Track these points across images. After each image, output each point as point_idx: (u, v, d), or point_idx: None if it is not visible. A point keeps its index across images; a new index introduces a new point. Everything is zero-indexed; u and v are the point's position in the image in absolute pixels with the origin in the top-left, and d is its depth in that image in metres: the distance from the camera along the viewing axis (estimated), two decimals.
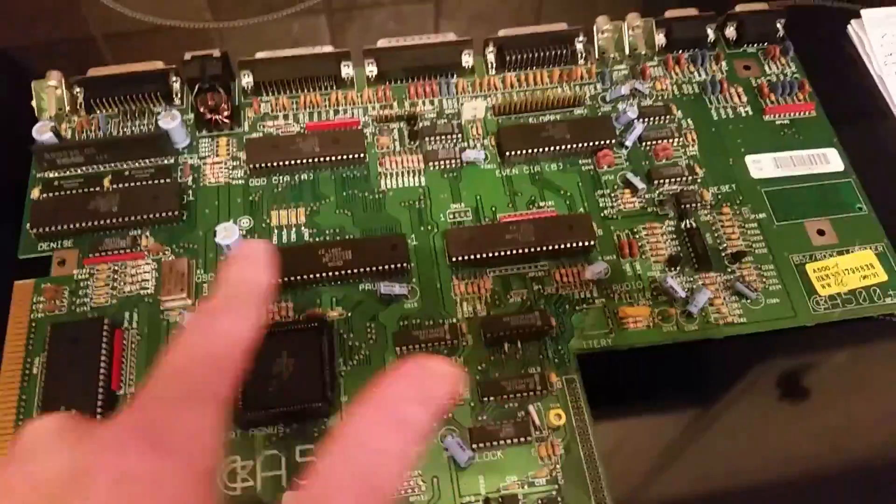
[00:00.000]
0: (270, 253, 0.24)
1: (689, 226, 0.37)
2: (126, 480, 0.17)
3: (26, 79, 0.41)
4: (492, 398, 0.32)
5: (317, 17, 0.50)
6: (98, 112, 0.41)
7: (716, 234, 0.37)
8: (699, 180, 0.39)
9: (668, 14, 0.43)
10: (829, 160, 0.40)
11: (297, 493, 0.19)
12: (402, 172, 0.39)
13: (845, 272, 0.36)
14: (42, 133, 0.38)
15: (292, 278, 0.34)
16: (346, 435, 0.19)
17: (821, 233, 0.37)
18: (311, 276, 0.34)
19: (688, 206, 0.37)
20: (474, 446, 0.31)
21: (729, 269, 0.36)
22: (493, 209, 0.38)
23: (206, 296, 0.21)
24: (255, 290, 0.23)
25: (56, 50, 0.48)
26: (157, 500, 0.17)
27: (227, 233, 0.34)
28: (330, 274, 0.34)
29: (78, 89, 0.40)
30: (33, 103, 0.40)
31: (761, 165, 0.39)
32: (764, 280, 0.36)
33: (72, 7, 0.50)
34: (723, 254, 0.36)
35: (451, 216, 0.38)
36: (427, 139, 0.40)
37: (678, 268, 0.36)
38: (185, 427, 0.19)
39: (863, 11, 0.46)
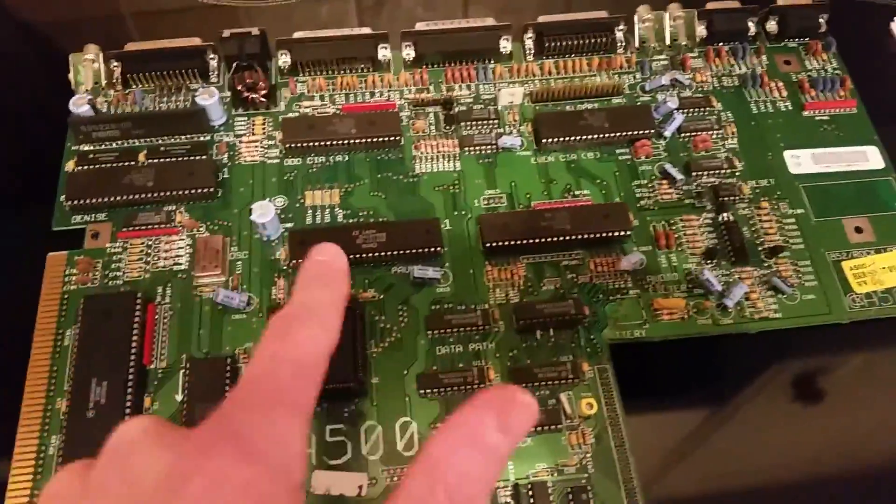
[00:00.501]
0: (344, 258, 0.24)
1: (727, 219, 0.36)
2: (220, 485, 0.17)
3: (63, 53, 0.41)
4: (523, 385, 0.32)
5: (345, 2, 0.50)
6: (134, 87, 0.41)
7: (753, 229, 0.36)
8: (738, 174, 0.38)
9: (710, 5, 0.42)
10: (869, 158, 0.39)
11: None
12: (438, 157, 0.39)
13: (882, 270, 0.35)
14: (79, 106, 0.38)
15: None
16: (432, 456, 0.19)
17: (858, 230, 0.37)
18: (347, 257, 0.34)
19: (726, 199, 0.37)
20: None
21: (765, 264, 0.36)
22: (528, 196, 0.38)
23: (287, 301, 0.22)
24: (335, 298, 0.23)
25: (91, 26, 0.48)
26: None
27: (262, 211, 0.34)
28: (363, 256, 0.34)
29: (115, 63, 0.40)
30: (70, 76, 0.40)
31: (800, 161, 0.39)
32: (800, 276, 0.35)
33: None
34: (760, 248, 0.36)
35: (486, 202, 0.37)
36: (463, 124, 0.39)
37: (714, 261, 0.35)
38: (274, 435, 0.19)
39: None
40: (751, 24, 0.42)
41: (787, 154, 0.39)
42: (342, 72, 0.41)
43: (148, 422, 0.20)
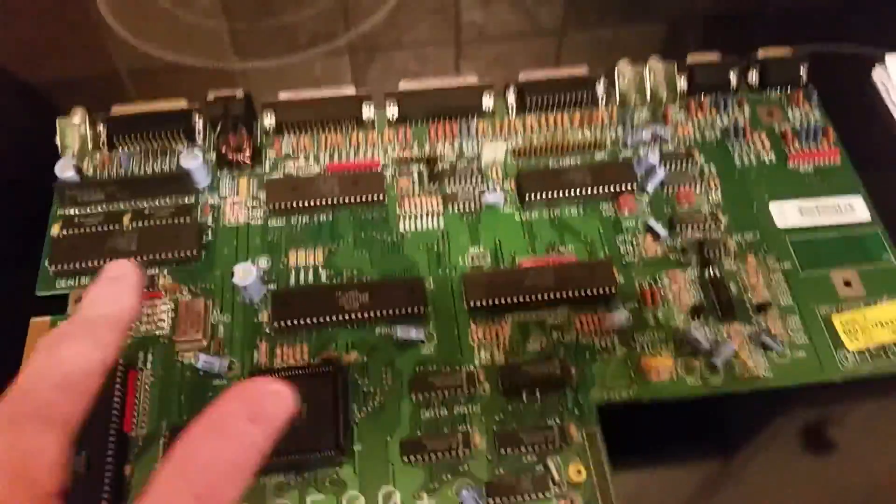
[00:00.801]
0: (138, 275, 0.25)
1: (712, 275, 0.36)
2: None
3: (50, 114, 0.41)
4: (509, 450, 0.31)
5: (339, 57, 0.51)
6: (120, 149, 0.41)
7: (740, 284, 0.36)
8: (723, 228, 0.38)
9: (690, 59, 0.43)
10: (855, 209, 0.39)
11: None
12: (421, 214, 0.39)
13: (874, 326, 0.35)
14: (64, 171, 0.38)
15: (308, 320, 0.34)
16: (176, 452, 0.20)
17: (847, 283, 0.36)
18: (327, 318, 0.34)
19: (711, 254, 0.37)
20: (490, 501, 0.30)
21: (754, 321, 0.35)
22: (513, 253, 0.37)
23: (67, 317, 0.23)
24: (115, 314, 0.23)
25: (80, 86, 0.49)
26: None
27: (244, 274, 0.34)
28: (346, 317, 0.34)
29: (101, 126, 0.41)
30: (57, 140, 0.41)
31: (785, 213, 0.39)
32: (790, 332, 0.35)
33: (97, 44, 0.51)
34: (747, 304, 0.36)
35: (470, 259, 0.37)
36: (446, 181, 0.40)
37: (702, 317, 0.35)
38: (18, 446, 0.19)
39: (887, 56, 0.45)
40: (732, 76, 0.43)
41: (773, 206, 0.39)
42: (327, 131, 0.41)
43: None
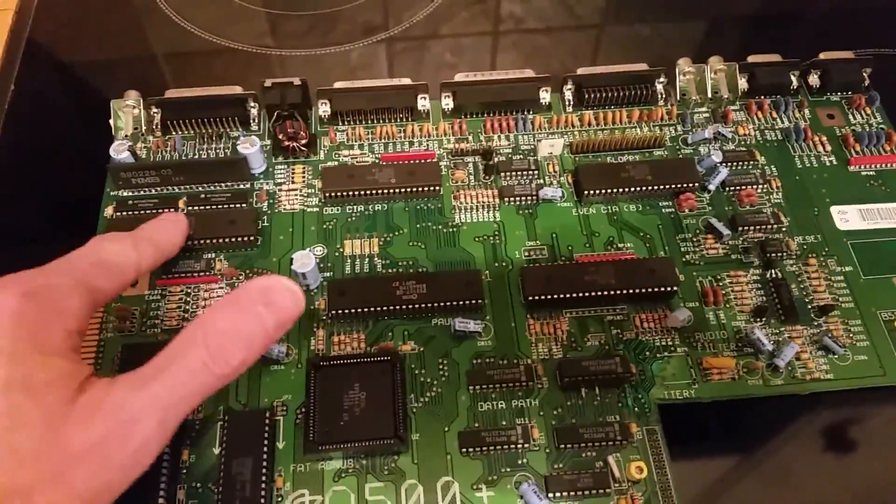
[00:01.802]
0: (185, 223, 0.34)
1: (775, 276, 0.36)
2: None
3: (100, 93, 0.41)
4: (569, 446, 0.31)
5: (375, 46, 0.50)
6: (174, 133, 0.41)
7: (802, 286, 0.36)
8: (784, 229, 0.37)
9: (752, 59, 0.42)
10: None
11: (157, 355, 0.25)
12: (477, 207, 0.38)
13: None
14: (119, 152, 0.38)
15: (364, 310, 0.34)
16: (200, 316, 0.25)
17: None
18: (385, 308, 0.34)
19: (773, 255, 0.36)
20: (550, 495, 0.30)
21: (815, 323, 0.35)
22: (570, 248, 0.37)
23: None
24: (156, 236, 0.32)
25: (127, 67, 0.49)
26: (19, 330, 0.24)
27: (303, 261, 0.34)
28: (403, 307, 0.34)
29: (155, 110, 0.41)
30: (111, 122, 0.41)
31: (847, 217, 0.38)
32: (851, 335, 0.34)
33: (144, 25, 0.51)
34: (809, 306, 0.35)
35: (527, 253, 0.37)
36: (503, 174, 0.39)
37: (764, 319, 0.35)
38: (53, 287, 0.26)
39: None
40: (793, 78, 0.42)
41: (834, 210, 0.38)
42: (381, 121, 0.41)
43: None
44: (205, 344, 0.24)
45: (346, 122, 0.41)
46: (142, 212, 0.38)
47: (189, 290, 0.35)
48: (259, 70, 0.47)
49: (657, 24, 0.52)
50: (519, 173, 0.39)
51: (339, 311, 0.33)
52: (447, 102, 0.41)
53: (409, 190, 0.38)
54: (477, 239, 0.37)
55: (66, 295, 0.26)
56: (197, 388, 0.24)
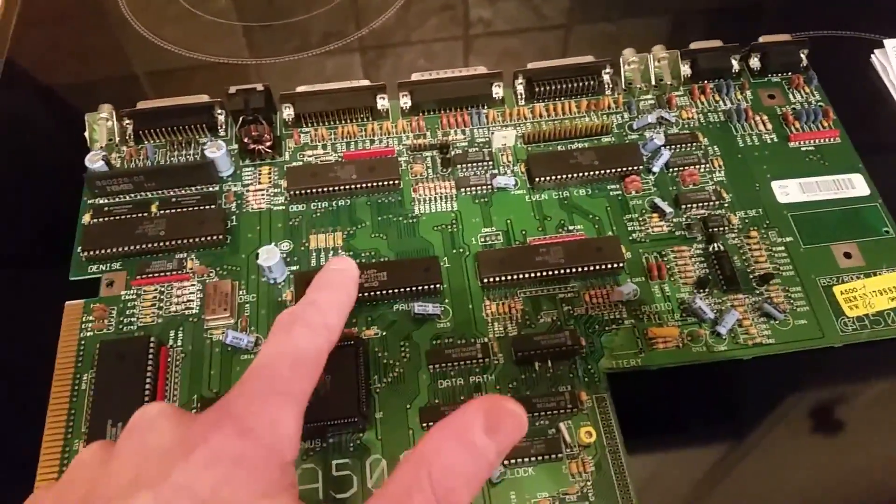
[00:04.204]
0: (356, 269, 0.28)
1: (717, 249, 0.37)
2: (219, 455, 0.21)
3: (79, 112, 0.43)
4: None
5: (350, 54, 0.52)
6: (146, 142, 0.43)
7: (743, 257, 0.38)
8: (726, 205, 0.39)
9: (694, 45, 0.44)
10: (855, 185, 0.40)
11: (374, 494, 0.22)
12: (435, 198, 0.40)
13: (873, 294, 0.36)
14: (94, 162, 0.40)
15: None
16: (421, 449, 0.22)
17: (847, 256, 0.38)
18: None
19: (715, 229, 0.38)
20: (505, 462, 0.32)
21: (757, 291, 0.37)
22: (524, 233, 0.39)
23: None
24: (340, 299, 0.27)
25: (105, 86, 0.51)
26: (241, 476, 0.21)
27: (268, 255, 0.36)
28: (366, 294, 0.36)
29: (128, 121, 0.43)
30: (86, 134, 0.43)
31: (787, 191, 0.40)
32: (791, 302, 0.36)
33: (119, 44, 0.53)
34: (751, 276, 0.37)
35: (483, 239, 0.39)
36: (459, 166, 0.41)
37: (707, 290, 0.36)
38: (267, 418, 0.22)
39: (886, 41, 0.46)
40: (734, 62, 0.44)
41: (775, 184, 0.40)
42: (343, 122, 0.43)
43: (163, 405, 0.24)
44: (431, 488, 0.21)
45: (309, 124, 0.43)
46: (117, 217, 0.40)
47: (163, 289, 0.37)
48: (235, 81, 0.49)
49: (623, 20, 0.54)
50: (474, 165, 0.41)
51: None
52: (405, 101, 0.43)
53: (370, 185, 0.40)
54: (436, 228, 0.39)
55: (281, 423, 0.23)
56: None
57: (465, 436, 0.21)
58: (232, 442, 0.21)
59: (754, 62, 0.45)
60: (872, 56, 0.47)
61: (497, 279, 0.36)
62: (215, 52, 0.51)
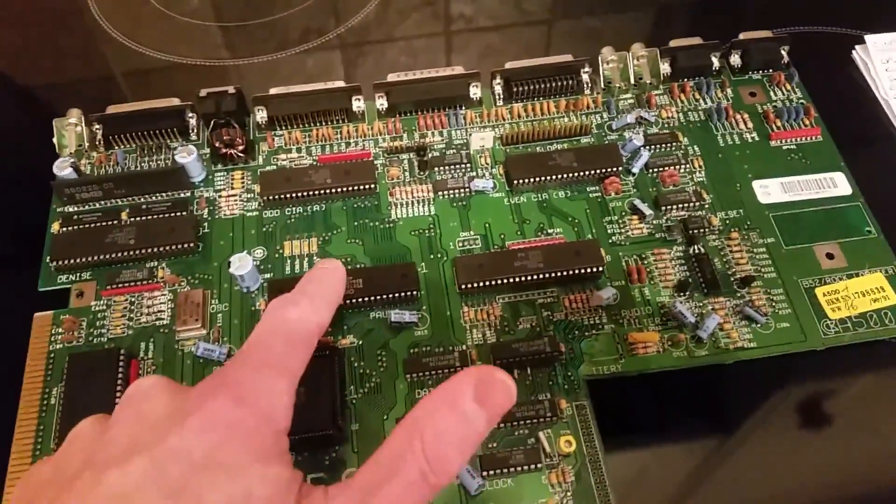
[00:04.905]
0: (343, 270, 0.30)
1: (697, 251, 0.37)
2: (214, 422, 0.22)
3: (48, 117, 0.42)
4: (502, 425, 0.32)
5: (330, 52, 0.51)
6: (116, 147, 0.42)
7: (724, 259, 0.37)
8: (707, 206, 0.39)
9: (673, 43, 0.44)
10: (837, 184, 0.40)
11: (367, 460, 0.23)
12: (412, 202, 0.40)
13: (855, 295, 0.36)
14: (62, 169, 0.39)
15: None
16: (412, 417, 0.23)
17: (830, 256, 0.37)
18: None
19: (696, 231, 0.37)
20: (484, 473, 0.31)
21: (738, 294, 0.36)
22: (502, 237, 0.38)
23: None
24: (327, 290, 0.28)
25: (77, 87, 0.50)
26: (235, 441, 0.22)
27: (240, 263, 0.35)
28: (341, 302, 0.35)
29: (97, 126, 0.42)
30: (54, 140, 0.42)
31: (769, 190, 0.40)
32: (773, 304, 0.36)
33: (91, 46, 0.52)
34: (732, 279, 0.36)
35: (461, 244, 0.38)
36: (436, 169, 0.40)
37: (687, 293, 0.36)
38: (262, 387, 0.23)
39: (867, 37, 0.46)
40: (714, 59, 0.44)
41: (756, 184, 0.40)
42: (318, 124, 0.42)
43: (158, 378, 0.24)
44: (423, 453, 0.22)
45: (283, 127, 0.42)
46: (87, 225, 0.39)
47: (133, 299, 0.36)
48: (212, 83, 0.48)
49: (606, 15, 0.53)
50: (452, 167, 0.40)
51: None
52: (381, 102, 0.42)
53: (345, 189, 0.39)
54: (413, 233, 0.39)
55: (275, 393, 0.23)
56: (413, 502, 0.22)
57: (456, 403, 0.22)
58: (227, 409, 0.22)
59: (735, 59, 0.44)
60: (854, 52, 0.46)
61: (475, 285, 0.35)
62: (190, 54, 0.50)
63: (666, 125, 0.42)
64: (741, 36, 0.44)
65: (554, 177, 0.39)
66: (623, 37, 0.50)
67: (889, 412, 0.34)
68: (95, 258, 0.37)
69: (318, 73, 0.50)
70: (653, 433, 0.34)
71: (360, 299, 0.35)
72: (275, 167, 0.41)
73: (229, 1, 0.55)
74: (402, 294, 0.35)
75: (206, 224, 0.39)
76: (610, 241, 0.38)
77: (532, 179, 0.39)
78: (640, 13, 0.54)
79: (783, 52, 0.44)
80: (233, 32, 0.52)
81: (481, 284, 0.36)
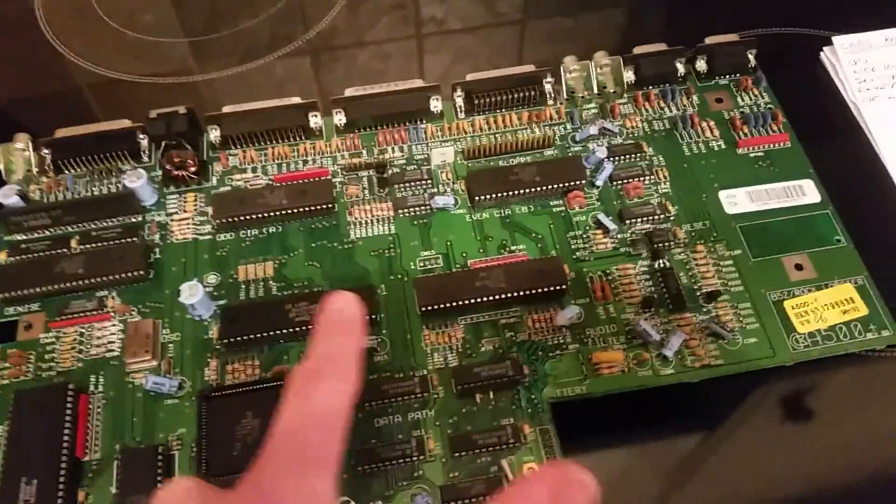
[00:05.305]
0: (359, 304, 0.25)
1: (662, 265, 0.36)
2: None
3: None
4: (464, 453, 0.31)
5: (301, 58, 0.50)
6: (66, 172, 0.41)
7: (690, 274, 0.36)
8: (672, 218, 0.38)
9: (637, 50, 0.43)
10: (806, 192, 0.39)
11: None
12: (372, 221, 0.39)
13: (825, 307, 0.35)
14: (8, 197, 0.38)
15: (258, 335, 0.34)
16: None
17: (799, 267, 0.36)
18: (278, 331, 0.34)
19: (661, 245, 0.37)
20: None
21: (704, 310, 0.35)
22: (464, 255, 0.37)
23: (305, 356, 0.23)
24: (351, 345, 0.24)
25: (26, 110, 0.48)
26: None
27: (191, 292, 0.34)
28: (297, 329, 0.34)
29: (46, 151, 0.40)
30: (1, 166, 0.40)
31: (735, 200, 0.39)
32: (741, 319, 0.35)
33: (44, 66, 0.50)
34: (698, 293, 0.36)
35: (422, 264, 0.37)
36: (396, 186, 0.39)
37: (652, 310, 0.35)
38: (304, 492, 0.20)
39: (834, 38, 0.45)
40: (679, 66, 0.43)
41: (722, 194, 0.39)
42: (274, 142, 0.41)
43: (188, 483, 0.22)
44: None
45: (237, 146, 0.41)
46: (35, 255, 0.37)
47: (83, 331, 0.35)
48: (175, 100, 0.46)
49: (580, 13, 0.52)
50: (413, 184, 0.39)
51: (232, 339, 0.34)
52: (339, 118, 0.41)
53: (302, 210, 0.38)
54: (373, 253, 0.38)
55: (317, 493, 0.21)
56: None
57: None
58: None
59: (700, 65, 0.43)
60: (821, 54, 0.46)
61: (436, 307, 0.34)
62: (148, 71, 0.49)
63: (630, 135, 0.41)
64: (707, 41, 0.43)
65: (517, 192, 0.38)
66: (596, 36, 0.49)
67: (861, 412, 0.33)
68: (44, 289, 0.36)
69: (288, 82, 0.49)
70: (619, 456, 0.33)
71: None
72: (229, 188, 0.40)
73: (191, 14, 0.53)
74: None
75: (157, 249, 0.38)
76: (574, 256, 0.37)
77: (494, 195, 0.38)
78: (613, 10, 0.53)
79: (750, 55, 0.43)
80: (194, 46, 0.51)
81: (442, 306, 0.34)
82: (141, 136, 0.40)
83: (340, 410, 0.22)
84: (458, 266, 0.37)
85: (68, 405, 0.32)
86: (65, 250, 0.37)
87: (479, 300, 0.35)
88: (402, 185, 0.39)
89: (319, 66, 0.50)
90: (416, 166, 0.40)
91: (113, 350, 0.35)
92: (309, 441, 0.21)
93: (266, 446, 0.21)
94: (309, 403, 0.22)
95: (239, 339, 0.34)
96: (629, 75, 0.42)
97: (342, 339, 0.24)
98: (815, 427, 0.33)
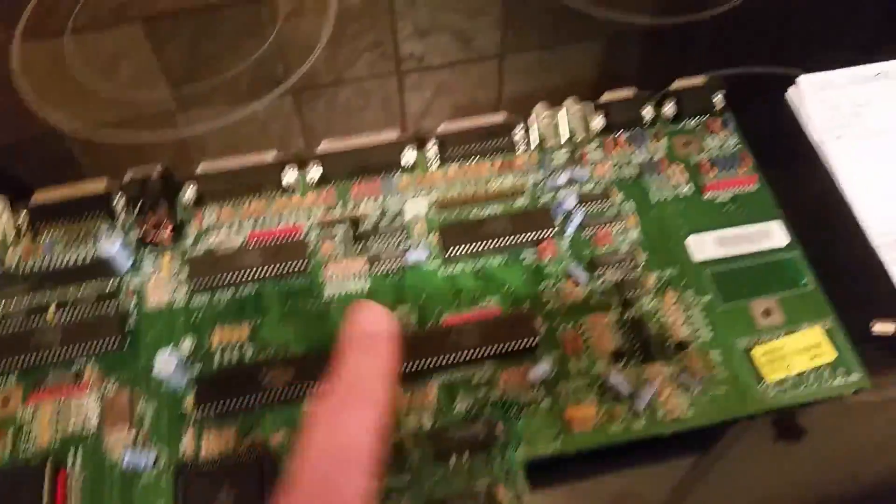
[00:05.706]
0: (392, 321, 0.23)
1: (632, 316, 0.37)
2: None
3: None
4: None
5: (282, 99, 0.51)
6: (44, 236, 0.41)
7: (660, 323, 0.37)
8: (641, 266, 0.38)
9: (606, 96, 0.43)
10: (773, 235, 0.39)
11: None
12: (347, 278, 0.39)
13: (793, 353, 0.35)
14: None
15: (231, 404, 0.34)
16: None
17: (767, 313, 0.37)
18: (251, 399, 0.34)
19: (630, 294, 0.37)
20: None
21: (675, 359, 0.36)
22: (439, 310, 0.38)
23: (329, 380, 0.22)
24: (381, 366, 0.22)
25: (6, 169, 0.49)
26: None
27: (163, 365, 0.34)
28: (270, 396, 0.34)
29: (23, 216, 0.41)
30: None
31: (703, 246, 0.39)
32: (711, 368, 0.35)
33: (20, 127, 0.50)
34: (667, 343, 0.36)
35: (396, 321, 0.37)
36: (370, 240, 0.40)
37: (624, 361, 0.35)
38: None
39: (799, 78, 0.46)
40: (648, 110, 0.43)
41: (691, 240, 0.39)
42: (249, 199, 0.42)
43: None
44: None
45: (212, 204, 0.42)
46: (11, 328, 0.37)
47: (61, 404, 0.35)
48: (154, 157, 0.46)
49: (559, 46, 0.53)
50: (386, 237, 0.40)
51: (206, 410, 0.34)
52: (311, 177, 0.42)
53: (276, 270, 0.38)
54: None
55: None
56: None
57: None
58: None
59: (669, 109, 0.44)
60: (787, 93, 0.46)
61: (408, 367, 0.35)
62: (126, 125, 0.49)
63: (599, 182, 0.41)
64: (674, 84, 0.44)
65: (489, 243, 0.39)
66: (577, 70, 0.50)
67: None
68: (21, 362, 0.36)
69: (274, 123, 0.49)
70: (611, 481, 0.33)
71: (290, 392, 0.34)
72: (204, 249, 0.40)
73: (170, 66, 0.53)
74: None
75: (133, 315, 0.38)
76: (546, 309, 0.37)
77: (467, 248, 0.39)
78: (593, 42, 0.53)
79: (718, 97, 0.44)
80: (175, 96, 0.51)
81: (414, 367, 0.35)
82: (117, 195, 0.41)
83: (371, 439, 0.21)
84: (432, 322, 0.37)
85: (45, 485, 0.32)
86: (43, 319, 0.38)
87: (451, 359, 0.35)
88: (375, 238, 0.40)
89: (302, 105, 0.51)
90: (389, 220, 0.41)
91: (90, 424, 0.35)
92: (336, 476, 0.20)
93: (292, 485, 0.20)
94: (335, 436, 0.21)
95: (213, 408, 0.34)
96: (599, 121, 0.43)
97: (370, 359, 0.23)
98: (809, 442, 0.34)
